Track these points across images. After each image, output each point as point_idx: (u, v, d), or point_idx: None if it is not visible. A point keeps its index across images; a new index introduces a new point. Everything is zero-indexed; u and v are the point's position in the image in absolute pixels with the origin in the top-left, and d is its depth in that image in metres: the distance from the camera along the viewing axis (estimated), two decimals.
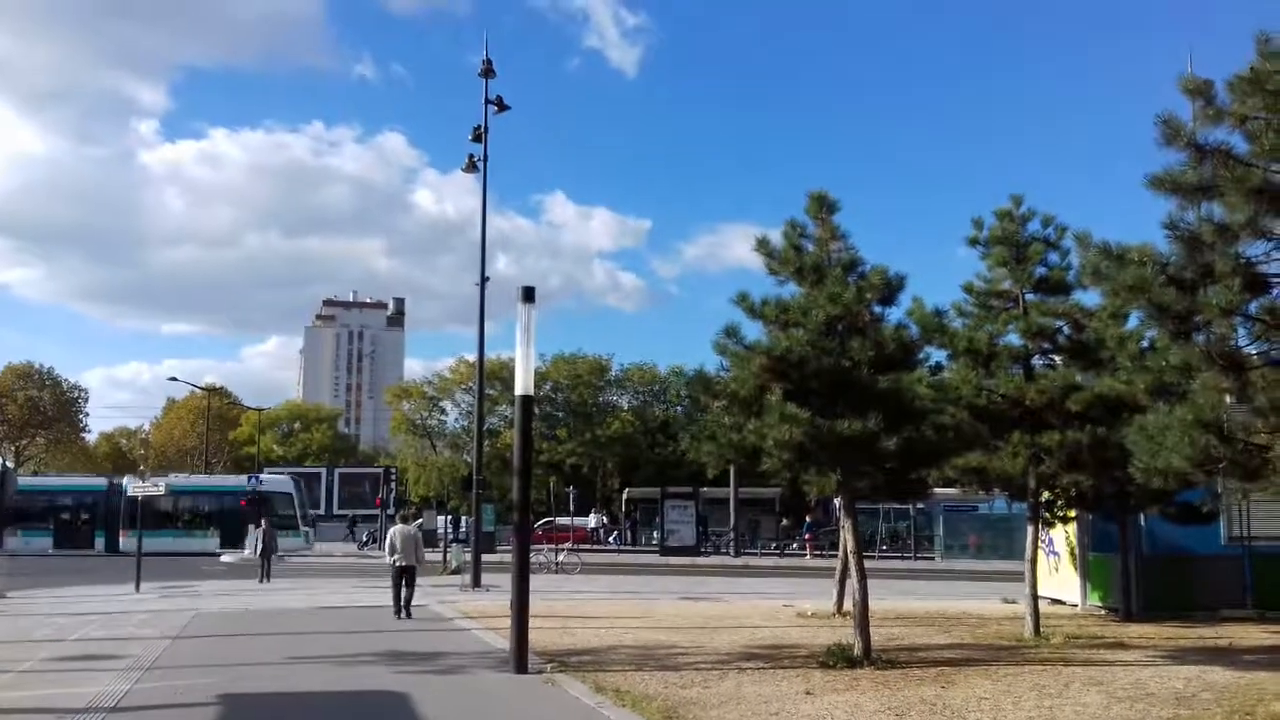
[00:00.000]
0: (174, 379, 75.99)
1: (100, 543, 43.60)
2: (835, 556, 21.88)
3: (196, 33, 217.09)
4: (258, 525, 22.18)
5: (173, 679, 11.28)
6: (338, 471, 71.11)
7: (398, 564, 18.06)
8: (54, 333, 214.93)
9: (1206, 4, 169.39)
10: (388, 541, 18.86)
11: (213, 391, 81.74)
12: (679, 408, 71.95)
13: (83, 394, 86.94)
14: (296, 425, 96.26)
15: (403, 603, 17.81)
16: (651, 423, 71.89)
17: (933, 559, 43.15)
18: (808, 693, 10.53)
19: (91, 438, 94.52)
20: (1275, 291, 9.64)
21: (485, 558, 26.62)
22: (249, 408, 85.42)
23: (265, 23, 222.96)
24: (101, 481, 47.01)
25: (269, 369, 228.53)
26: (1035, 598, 15.90)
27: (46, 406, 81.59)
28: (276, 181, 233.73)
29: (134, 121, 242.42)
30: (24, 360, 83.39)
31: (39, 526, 43.45)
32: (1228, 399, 10.12)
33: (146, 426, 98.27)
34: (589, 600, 21.53)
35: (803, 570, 35.44)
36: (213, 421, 77.22)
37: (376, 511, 50.43)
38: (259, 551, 26.75)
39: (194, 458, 79.20)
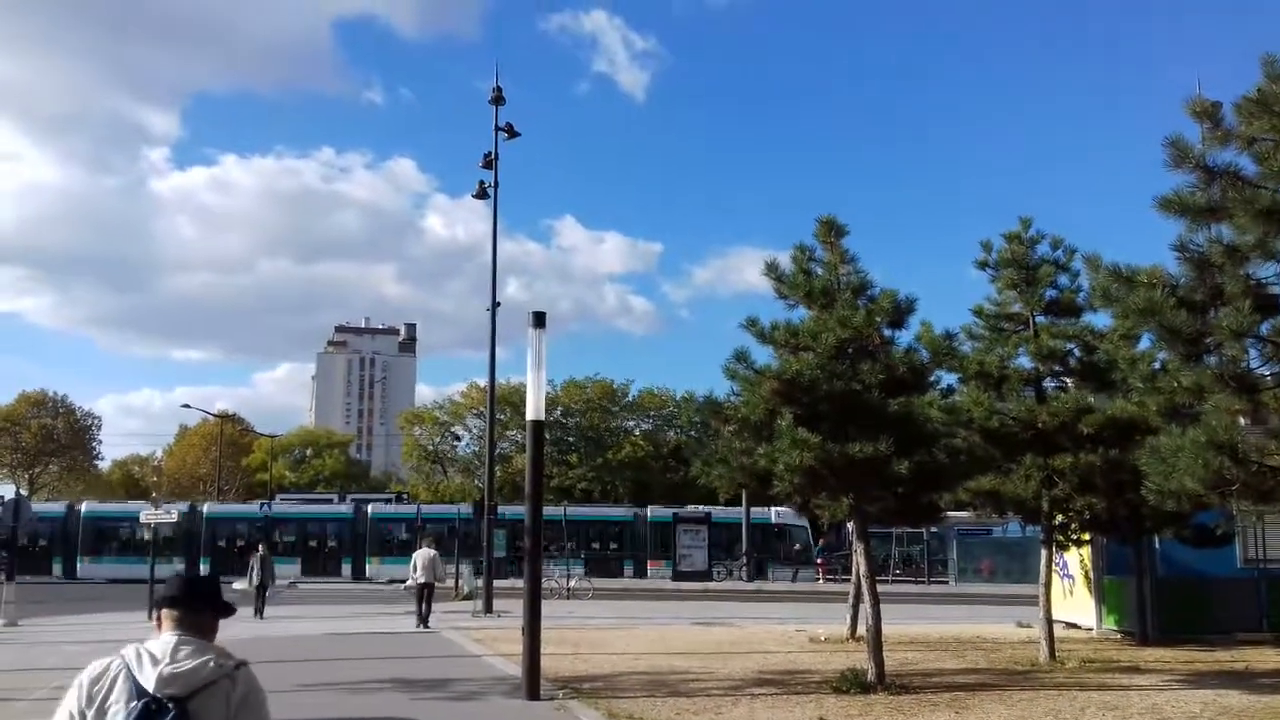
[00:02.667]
0: (187, 405, 76.32)
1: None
2: (848, 580, 21.78)
3: (207, 59, 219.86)
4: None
5: None
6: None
7: (419, 581, 21.07)
8: (65, 360, 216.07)
9: (1214, 29, 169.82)
10: (411, 562, 21.89)
11: (225, 418, 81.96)
12: (691, 432, 71.82)
13: (96, 421, 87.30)
14: (309, 451, 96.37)
15: (422, 614, 20.71)
16: (663, 447, 71.78)
17: (947, 583, 42.91)
18: (821, 718, 10.48)
19: (104, 465, 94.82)
20: None
21: (497, 583, 26.54)
22: (261, 434, 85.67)
23: (274, 49, 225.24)
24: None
25: (280, 395, 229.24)
26: (1050, 621, 15.79)
27: (60, 434, 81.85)
28: (287, 207, 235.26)
29: (145, 149, 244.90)
30: (38, 388, 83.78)
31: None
32: (1241, 421, 10.08)
33: (159, 453, 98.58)
34: (601, 626, 21.45)
35: (816, 595, 35.27)
36: (225, 448, 77.33)
37: None
38: (255, 583, 24.15)
39: (207, 484, 79.34)
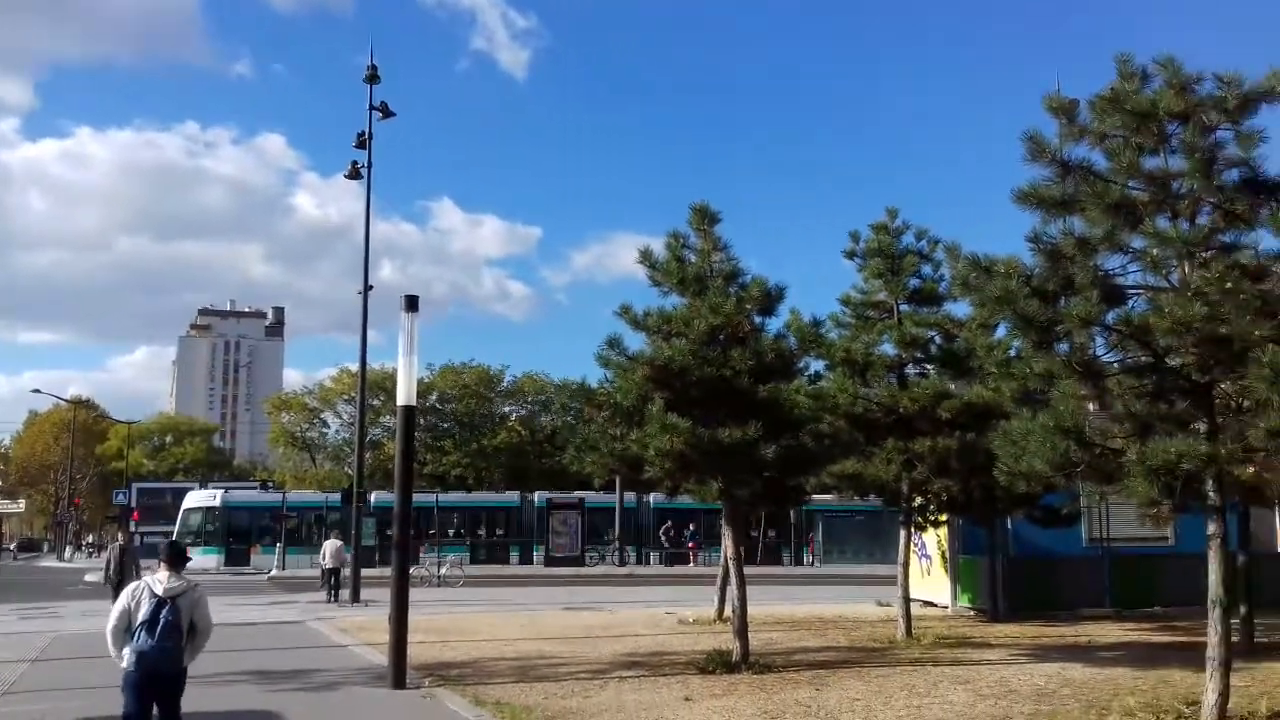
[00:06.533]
0: (37, 391, 72.31)
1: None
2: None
3: (65, 26, 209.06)
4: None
5: (31, 703, 10.75)
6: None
7: (326, 566, 25.23)
8: None
9: (1077, 33, 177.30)
10: (321, 550, 26.15)
11: (79, 404, 78.26)
12: (568, 417, 71.64)
13: None
14: (168, 439, 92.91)
15: (331, 591, 24.83)
16: (539, 433, 71.47)
17: (813, 564, 44.02)
18: (686, 699, 10.60)
19: None
20: (1131, 303, 10.08)
21: (366, 572, 26.10)
22: (117, 421, 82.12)
23: (137, 17, 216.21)
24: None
25: (138, 380, 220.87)
26: (907, 600, 16.30)
27: None
28: (147, 182, 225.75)
29: None
30: None
31: None
32: (1089, 406, 10.52)
33: (6, 441, 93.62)
34: (471, 613, 21.27)
35: (687, 578, 35.67)
36: (78, 435, 73.83)
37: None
38: (113, 574, 19.11)
39: (57, 473, 75.66)
